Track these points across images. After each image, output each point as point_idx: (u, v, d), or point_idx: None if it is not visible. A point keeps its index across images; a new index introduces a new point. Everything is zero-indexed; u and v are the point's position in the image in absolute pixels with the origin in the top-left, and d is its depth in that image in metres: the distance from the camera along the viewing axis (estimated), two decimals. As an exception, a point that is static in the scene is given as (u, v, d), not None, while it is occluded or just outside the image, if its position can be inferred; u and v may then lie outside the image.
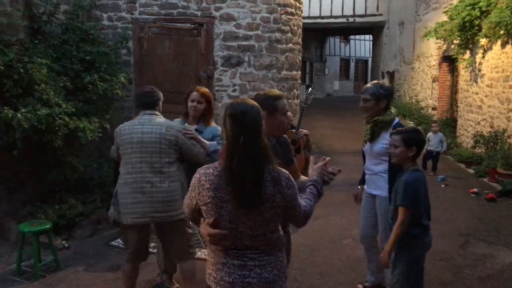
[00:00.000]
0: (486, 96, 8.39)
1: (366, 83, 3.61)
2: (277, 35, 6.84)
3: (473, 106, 9.02)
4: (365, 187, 3.53)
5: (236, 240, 1.87)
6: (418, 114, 12.05)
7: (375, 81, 3.54)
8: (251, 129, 1.83)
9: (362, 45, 29.14)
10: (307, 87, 19.21)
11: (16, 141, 4.32)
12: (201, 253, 3.99)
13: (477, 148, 8.11)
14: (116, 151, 3.14)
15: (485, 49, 8.36)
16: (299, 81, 7.83)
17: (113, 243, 4.70)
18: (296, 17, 7.28)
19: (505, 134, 7.45)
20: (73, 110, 4.64)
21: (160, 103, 3.21)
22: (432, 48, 11.66)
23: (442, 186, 7.06)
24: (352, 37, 28.29)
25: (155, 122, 3.05)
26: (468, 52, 9.21)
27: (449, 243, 4.70)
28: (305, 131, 4.89)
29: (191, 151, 3.08)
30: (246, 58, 6.70)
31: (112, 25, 6.53)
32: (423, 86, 12.88)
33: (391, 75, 17.41)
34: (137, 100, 3.26)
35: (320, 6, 19.20)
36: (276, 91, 2.39)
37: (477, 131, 8.40)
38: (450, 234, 4.95)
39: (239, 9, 6.61)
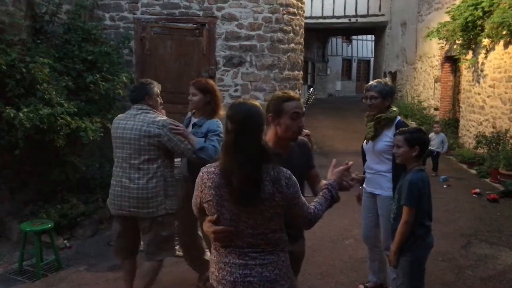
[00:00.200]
0: (488, 97, 8.37)
1: (368, 83, 3.58)
2: (279, 35, 6.84)
3: (475, 107, 8.99)
4: (364, 186, 3.48)
5: (237, 238, 1.87)
6: (420, 114, 12.04)
7: (379, 79, 3.52)
8: (250, 129, 1.84)
9: (364, 45, 29.10)
10: (309, 87, 19.14)
11: (18, 141, 4.33)
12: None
13: (479, 148, 8.09)
14: None
15: (488, 49, 8.33)
16: (301, 81, 7.82)
17: (114, 242, 4.71)
18: (298, 17, 7.27)
19: (508, 135, 7.44)
20: (75, 109, 4.65)
21: (153, 96, 3.11)
22: (435, 49, 11.63)
23: (444, 186, 7.04)
24: (354, 37, 28.28)
25: (139, 118, 3.00)
26: (470, 52, 9.19)
27: (451, 243, 4.69)
28: (306, 131, 4.85)
29: (178, 147, 3.02)
30: (248, 58, 6.70)
31: (114, 25, 6.54)
32: (425, 86, 12.86)
33: (393, 75, 17.38)
34: (129, 95, 3.23)
35: (322, 6, 19.23)
36: (291, 92, 2.29)
37: (479, 131, 8.38)
38: (452, 235, 4.94)
39: (241, 9, 6.61)
